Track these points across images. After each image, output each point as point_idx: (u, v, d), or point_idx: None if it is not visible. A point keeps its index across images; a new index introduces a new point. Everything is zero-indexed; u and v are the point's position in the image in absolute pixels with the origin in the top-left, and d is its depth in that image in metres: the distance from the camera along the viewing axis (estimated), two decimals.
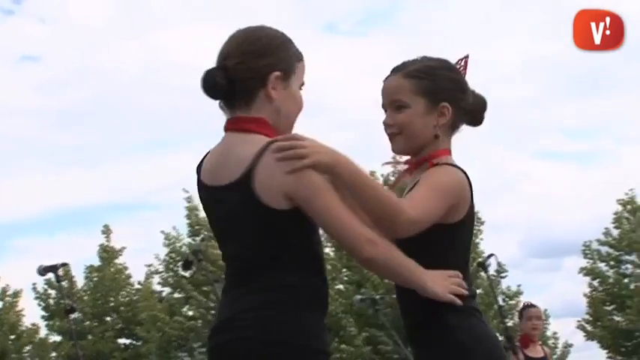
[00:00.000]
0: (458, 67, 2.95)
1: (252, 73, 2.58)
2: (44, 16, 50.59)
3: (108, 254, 30.66)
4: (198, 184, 2.68)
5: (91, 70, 43.49)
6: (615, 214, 30.02)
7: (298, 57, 2.68)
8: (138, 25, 45.95)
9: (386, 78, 2.89)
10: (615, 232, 29.74)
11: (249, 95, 2.59)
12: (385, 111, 2.88)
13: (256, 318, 2.47)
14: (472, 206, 2.80)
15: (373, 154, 28.63)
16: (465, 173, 2.79)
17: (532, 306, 8.00)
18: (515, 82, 45.01)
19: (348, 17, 48.74)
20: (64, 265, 6.33)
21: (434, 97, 2.81)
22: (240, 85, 2.58)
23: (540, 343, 8.17)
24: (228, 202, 2.54)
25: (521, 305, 28.49)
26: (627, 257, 29.59)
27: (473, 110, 2.93)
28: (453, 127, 2.88)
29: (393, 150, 2.89)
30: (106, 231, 30.82)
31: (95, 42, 44.43)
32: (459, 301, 2.66)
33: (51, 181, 44.30)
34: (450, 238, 2.76)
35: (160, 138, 47.48)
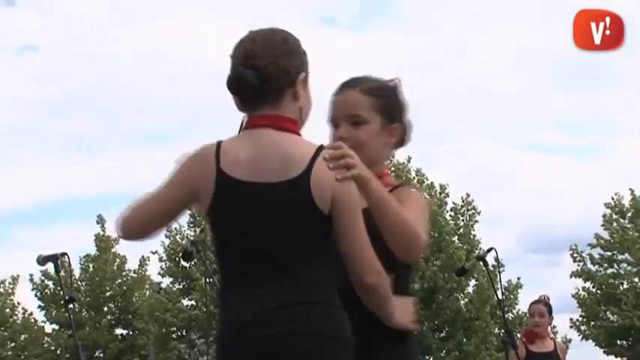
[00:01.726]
0: None
1: (283, 73, 2.60)
2: (43, 7, 50.48)
3: (104, 243, 30.70)
4: (221, 177, 2.58)
5: (90, 60, 43.53)
6: (604, 216, 30.18)
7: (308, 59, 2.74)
8: (135, 15, 46.03)
9: (339, 92, 2.91)
10: (605, 234, 29.88)
11: (278, 94, 2.62)
12: (334, 125, 2.90)
13: (300, 312, 2.50)
14: None
15: None
16: None
17: (535, 302, 7.95)
18: (511, 75, 45.04)
19: (346, 11, 48.77)
20: (64, 254, 6.30)
21: (388, 116, 2.88)
22: (271, 84, 2.59)
23: (552, 337, 8.15)
24: (275, 198, 2.55)
25: (520, 298, 28.71)
26: (620, 257, 29.76)
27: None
28: (393, 148, 2.98)
29: None
30: (100, 220, 30.94)
31: (93, 32, 44.48)
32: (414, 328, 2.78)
33: (48, 171, 44.39)
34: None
35: (158, 129, 47.52)
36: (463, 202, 29.51)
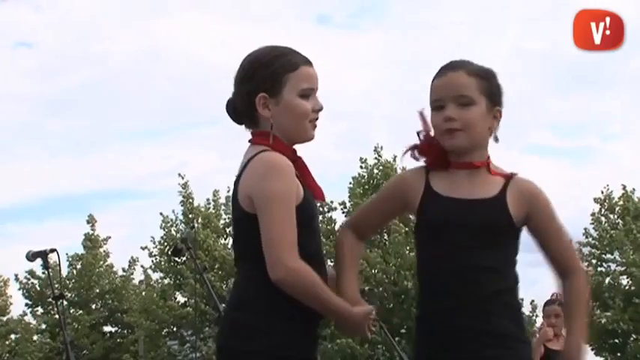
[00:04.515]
0: None
1: (244, 100, 2.86)
2: (39, 3, 50.34)
3: (92, 243, 30.75)
4: None
5: (85, 57, 43.47)
6: (592, 214, 30.16)
7: (289, 68, 2.83)
8: (132, 12, 45.91)
9: (442, 74, 2.84)
10: (594, 232, 29.86)
11: (251, 116, 2.88)
12: (438, 107, 2.83)
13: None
14: None
15: (363, 145, 28.70)
16: None
17: (550, 302, 7.94)
18: (505, 78, 44.94)
19: (341, 10, 48.78)
20: (53, 250, 6.27)
21: (492, 99, 2.85)
22: (241, 111, 2.89)
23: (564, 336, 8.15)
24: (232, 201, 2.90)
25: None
26: (609, 256, 29.76)
27: None
28: (492, 134, 2.92)
29: (451, 145, 2.82)
30: (91, 220, 30.98)
31: (89, 29, 44.44)
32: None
33: (42, 168, 44.31)
34: None
35: (150, 126, 47.51)
36: None
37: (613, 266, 29.82)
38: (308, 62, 2.86)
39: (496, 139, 2.87)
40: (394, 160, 29.06)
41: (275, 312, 2.69)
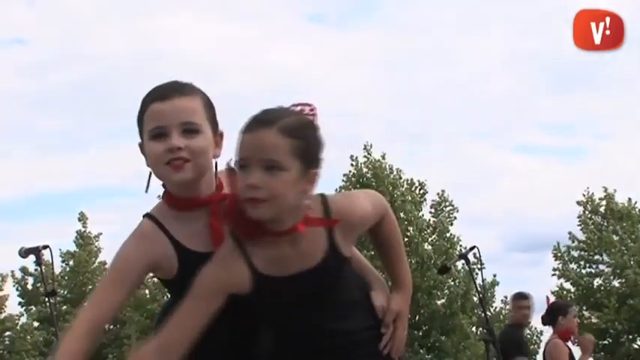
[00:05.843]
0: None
1: None
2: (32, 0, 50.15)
3: (84, 240, 30.86)
4: None
5: (77, 55, 43.43)
6: (579, 217, 30.30)
7: (141, 110, 2.61)
8: (126, 11, 45.91)
9: (251, 129, 2.37)
10: (583, 234, 30.08)
11: None
12: (242, 167, 2.37)
13: None
14: None
15: (354, 144, 28.68)
16: None
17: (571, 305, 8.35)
18: (498, 77, 45.15)
19: (334, 8, 48.82)
20: (46, 247, 6.25)
21: (307, 161, 2.38)
22: None
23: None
24: None
25: (496, 296, 28.85)
26: (598, 257, 29.92)
27: None
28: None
29: (255, 216, 2.37)
30: (82, 218, 31.07)
31: (83, 27, 44.36)
32: None
33: (34, 164, 44.20)
34: None
35: None
36: (440, 198, 29.66)
37: (603, 267, 29.92)
38: (161, 97, 2.56)
39: (307, 206, 2.43)
40: (383, 157, 29.23)
41: None
